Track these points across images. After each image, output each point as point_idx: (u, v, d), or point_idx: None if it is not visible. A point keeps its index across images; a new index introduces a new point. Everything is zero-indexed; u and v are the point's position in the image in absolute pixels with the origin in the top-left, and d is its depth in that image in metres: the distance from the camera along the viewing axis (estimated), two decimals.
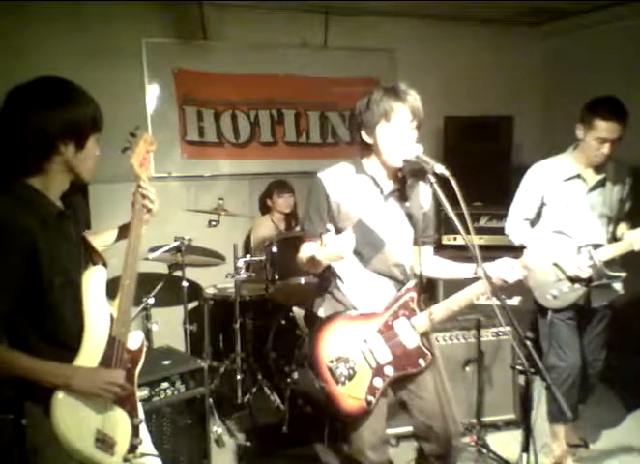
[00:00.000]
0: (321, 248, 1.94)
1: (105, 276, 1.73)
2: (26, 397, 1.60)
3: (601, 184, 2.83)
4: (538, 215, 2.95)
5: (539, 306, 2.92)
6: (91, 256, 1.77)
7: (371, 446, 2.11)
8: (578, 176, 2.82)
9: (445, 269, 2.31)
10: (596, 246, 2.72)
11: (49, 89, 1.62)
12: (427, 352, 2.17)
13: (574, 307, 2.85)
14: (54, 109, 1.59)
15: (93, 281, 1.69)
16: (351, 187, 2.16)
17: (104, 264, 1.77)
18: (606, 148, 2.68)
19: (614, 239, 2.84)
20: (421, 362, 2.16)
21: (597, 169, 2.82)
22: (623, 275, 2.77)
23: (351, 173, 2.18)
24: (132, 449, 1.68)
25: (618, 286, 2.88)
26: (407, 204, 2.20)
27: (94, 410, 1.62)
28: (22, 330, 1.58)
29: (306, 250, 2.15)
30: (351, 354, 2.10)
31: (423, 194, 2.26)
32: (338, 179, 2.17)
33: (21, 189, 1.59)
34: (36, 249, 1.53)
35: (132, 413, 1.72)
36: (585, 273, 2.68)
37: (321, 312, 2.23)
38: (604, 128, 2.65)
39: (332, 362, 2.07)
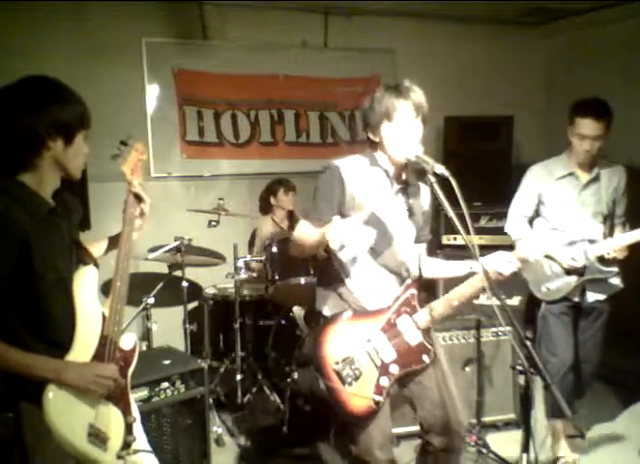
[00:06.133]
0: (336, 229, 1.82)
1: (97, 276, 1.74)
2: (21, 397, 1.60)
3: (595, 182, 2.92)
4: (537, 214, 3.04)
5: (534, 302, 3.03)
6: (83, 256, 1.79)
7: (379, 445, 2.11)
8: (571, 174, 2.93)
9: (439, 268, 2.32)
10: (591, 242, 2.81)
11: (37, 88, 1.65)
12: (430, 347, 2.18)
13: (568, 302, 2.92)
14: (43, 107, 1.61)
15: (85, 281, 1.71)
16: (366, 178, 2.15)
17: (96, 264, 1.79)
18: (586, 144, 2.79)
19: (611, 236, 2.87)
20: (425, 357, 2.17)
21: (590, 168, 2.92)
22: (615, 270, 2.87)
23: (365, 165, 2.18)
24: (126, 446, 1.69)
25: (616, 281, 2.94)
26: (411, 201, 2.22)
27: (87, 405, 1.63)
28: (14, 326, 1.59)
29: (305, 228, 2.10)
30: (356, 354, 2.09)
31: (424, 194, 2.29)
32: (355, 169, 2.15)
33: (12, 186, 1.61)
34: (28, 242, 1.55)
35: (126, 411, 1.74)
36: (579, 263, 2.77)
37: (326, 311, 2.21)
38: (583, 124, 2.78)
39: (337, 363, 2.06)
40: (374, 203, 2.13)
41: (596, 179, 2.91)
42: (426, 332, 2.20)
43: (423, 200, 2.28)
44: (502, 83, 5.21)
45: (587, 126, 2.76)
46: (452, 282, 2.24)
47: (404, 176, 2.22)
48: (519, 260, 2.09)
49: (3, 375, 1.58)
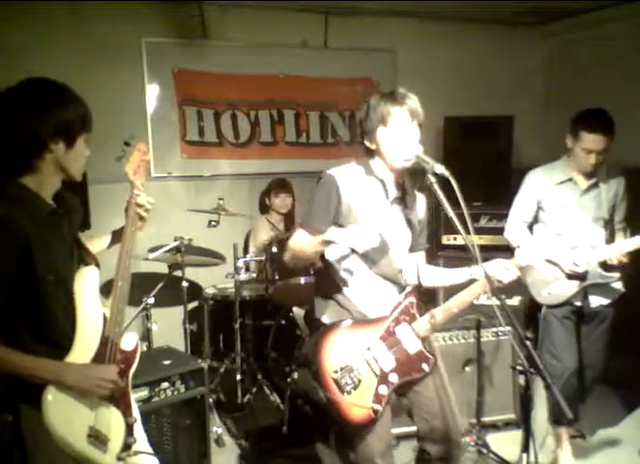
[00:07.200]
0: (342, 235, 1.83)
1: (98, 277, 1.74)
2: (21, 399, 1.60)
3: (594, 187, 2.90)
4: (536, 220, 3.03)
5: (535, 303, 3.00)
6: (84, 256, 1.78)
7: (380, 453, 2.10)
8: (570, 179, 2.91)
9: (439, 277, 2.31)
10: (593, 247, 2.80)
11: (39, 90, 1.65)
12: (430, 356, 2.17)
13: (570, 306, 2.90)
14: (45, 110, 1.61)
15: (86, 281, 1.70)
16: (361, 188, 2.14)
17: (97, 264, 1.79)
18: (592, 158, 2.77)
19: (612, 242, 2.87)
20: (425, 366, 2.16)
21: (590, 176, 2.90)
22: (616, 275, 2.86)
23: (361, 174, 2.17)
24: (126, 447, 1.69)
25: (618, 285, 2.92)
26: (407, 210, 2.22)
27: (86, 406, 1.62)
28: (15, 328, 1.59)
29: (302, 237, 2.08)
30: (355, 363, 2.08)
31: (420, 203, 2.30)
32: (350, 179, 2.14)
33: (13, 189, 1.61)
34: (29, 243, 1.55)
35: (126, 412, 1.73)
36: (580, 268, 2.77)
37: (325, 319, 2.21)
38: (589, 139, 2.74)
39: (336, 372, 2.05)
40: (370, 213, 2.13)
41: (595, 184, 2.90)
42: (426, 340, 2.19)
43: (419, 209, 2.29)
44: (502, 83, 5.20)
45: (594, 141, 2.73)
46: (452, 288, 2.23)
47: (400, 184, 2.20)
48: (518, 268, 2.09)
49: (4, 377, 1.58)
